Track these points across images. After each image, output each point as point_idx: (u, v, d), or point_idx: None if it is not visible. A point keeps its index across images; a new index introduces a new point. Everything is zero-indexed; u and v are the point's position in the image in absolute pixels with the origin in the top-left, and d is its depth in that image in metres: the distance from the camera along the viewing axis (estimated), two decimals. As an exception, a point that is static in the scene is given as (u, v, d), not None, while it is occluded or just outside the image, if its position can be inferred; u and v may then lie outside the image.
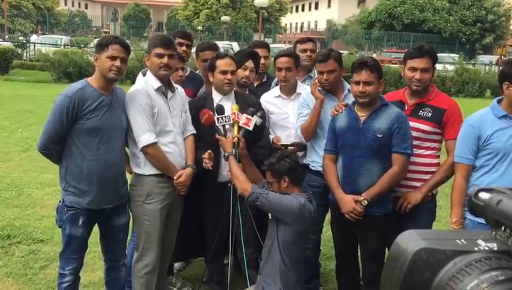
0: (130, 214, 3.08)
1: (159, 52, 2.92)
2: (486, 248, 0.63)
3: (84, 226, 2.83)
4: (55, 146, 2.79)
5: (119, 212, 2.98)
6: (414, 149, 2.96)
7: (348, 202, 2.91)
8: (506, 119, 2.64)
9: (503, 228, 0.64)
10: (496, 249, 0.63)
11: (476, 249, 0.63)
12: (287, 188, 2.83)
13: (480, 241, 0.64)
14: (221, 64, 3.20)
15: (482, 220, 0.70)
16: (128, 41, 4.04)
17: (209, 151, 3.05)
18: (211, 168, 3.03)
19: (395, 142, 2.87)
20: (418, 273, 0.63)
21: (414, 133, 2.96)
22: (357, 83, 2.88)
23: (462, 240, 0.65)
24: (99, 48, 2.79)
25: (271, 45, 5.56)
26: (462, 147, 2.79)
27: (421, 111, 3.01)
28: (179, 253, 3.57)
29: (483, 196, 0.67)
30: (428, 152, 3.04)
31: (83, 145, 2.75)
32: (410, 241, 0.65)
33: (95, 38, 28.89)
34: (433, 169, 3.04)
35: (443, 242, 0.64)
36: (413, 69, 2.97)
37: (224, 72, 3.19)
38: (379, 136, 2.87)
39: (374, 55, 25.03)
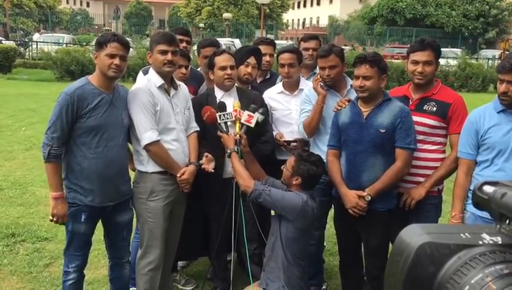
0: (134, 211, 3.09)
1: (162, 49, 2.92)
2: (491, 242, 0.63)
3: (87, 222, 2.84)
4: (61, 146, 2.72)
5: (122, 209, 2.98)
6: (419, 144, 2.95)
7: (351, 197, 2.91)
8: (505, 114, 2.63)
9: (507, 221, 0.63)
10: (500, 242, 0.63)
11: (481, 242, 0.63)
12: (294, 186, 2.82)
13: (484, 235, 0.64)
14: (220, 60, 3.21)
15: (483, 214, 0.70)
16: (129, 39, 4.03)
17: (206, 154, 3.07)
18: (211, 170, 3.06)
19: (398, 137, 2.86)
20: (422, 268, 0.63)
21: (419, 128, 2.95)
22: (357, 77, 2.88)
23: (466, 234, 0.64)
24: (98, 46, 2.78)
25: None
26: (463, 142, 2.80)
27: (425, 105, 3.00)
28: (185, 253, 3.59)
29: (488, 189, 0.66)
30: (434, 147, 3.03)
31: (83, 143, 2.75)
32: (413, 235, 0.65)
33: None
34: (438, 164, 3.03)
35: (447, 236, 0.64)
36: (416, 62, 2.97)
37: (224, 68, 3.19)
38: (382, 131, 2.86)
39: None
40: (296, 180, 2.82)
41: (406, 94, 3.10)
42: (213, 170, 3.08)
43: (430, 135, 3.01)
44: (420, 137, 2.96)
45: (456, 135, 2.92)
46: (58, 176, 2.76)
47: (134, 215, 3.11)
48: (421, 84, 2.99)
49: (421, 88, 3.03)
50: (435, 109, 2.98)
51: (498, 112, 2.65)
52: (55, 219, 2.77)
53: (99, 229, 3.07)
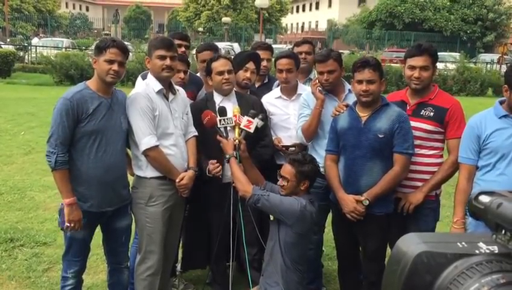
0: (133, 216, 3.09)
1: (160, 54, 2.93)
2: (487, 251, 0.63)
3: (86, 228, 2.83)
4: (66, 152, 2.71)
5: (120, 214, 2.98)
6: (417, 149, 2.95)
7: (349, 202, 2.91)
8: (507, 119, 2.64)
9: (503, 231, 0.64)
10: (496, 252, 0.63)
11: (477, 252, 0.63)
12: (302, 191, 2.82)
13: (481, 244, 0.64)
14: (217, 65, 3.22)
15: None
16: (129, 43, 4.02)
17: (212, 161, 3.11)
18: (219, 172, 3.10)
19: (396, 142, 2.87)
20: (419, 277, 0.63)
21: (416, 133, 2.96)
22: (360, 82, 2.88)
23: (463, 243, 0.64)
24: (97, 51, 2.79)
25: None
26: (464, 148, 2.80)
27: (423, 111, 3.01)
28: (190, 261, 3.60)
29: (484, 199, 0.67)
30: (431, 152, 3.04)
31: (81, 148, 2.75)
32: (411, 244, 0.65)
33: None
34: (436, 169, 3.03)
35: (444, 245, 0.64)
36: (412, 68, 2.98)
37: (221, 73, 3.20)
38: (380, 136, 2.87)
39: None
40: (303, 185, 2.82)
41: (403, 99, 3.11)
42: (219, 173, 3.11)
43: (427, 140, 3.01)
44: (417, 142, 2.96)
45: (454, 139, 2.93)
46: (69, 182, 2.73)
47: (133, 221, 3.11)
48: (418, 90, 3.00)
49: (418, 93, 3.04)
50: (432, 114, 2.98)
51: (499, 117, 2.66)
52: (71, 225, 2.73)
53: (98, 234, 3.07)
